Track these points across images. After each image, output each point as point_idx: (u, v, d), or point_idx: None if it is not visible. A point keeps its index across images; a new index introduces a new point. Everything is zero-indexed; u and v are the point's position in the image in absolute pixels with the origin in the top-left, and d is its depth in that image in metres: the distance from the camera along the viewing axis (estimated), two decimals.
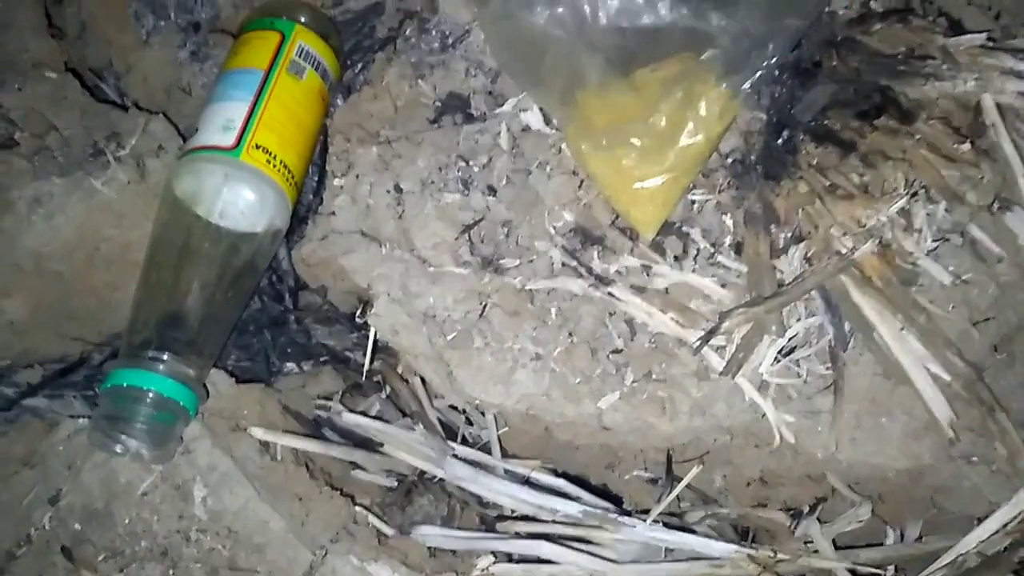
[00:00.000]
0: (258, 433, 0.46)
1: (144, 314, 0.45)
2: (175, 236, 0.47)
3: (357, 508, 0.46)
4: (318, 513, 0.44)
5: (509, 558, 0.46)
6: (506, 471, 0.49)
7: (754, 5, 0.40)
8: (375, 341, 0.46)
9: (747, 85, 0.41)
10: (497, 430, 0.49)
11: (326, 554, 0.42)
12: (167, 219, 0.47)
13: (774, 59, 0.40)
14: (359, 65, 0.57)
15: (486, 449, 0.50)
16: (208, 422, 0.45)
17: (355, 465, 0.51)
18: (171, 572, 0.42)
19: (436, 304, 0.44)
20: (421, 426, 0.49)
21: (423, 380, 0.49)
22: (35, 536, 0.44)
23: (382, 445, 0.49)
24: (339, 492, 0.45)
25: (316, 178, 0.54)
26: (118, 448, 0.42)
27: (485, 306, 0.43)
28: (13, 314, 0.50)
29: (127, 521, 0.43)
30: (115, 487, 0.43)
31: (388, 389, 0.54)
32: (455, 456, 0.47)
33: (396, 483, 0.51)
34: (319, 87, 0.52)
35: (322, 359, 0.56)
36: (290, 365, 0.55)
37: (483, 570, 0.43)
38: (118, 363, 0.42)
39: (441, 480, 0.49)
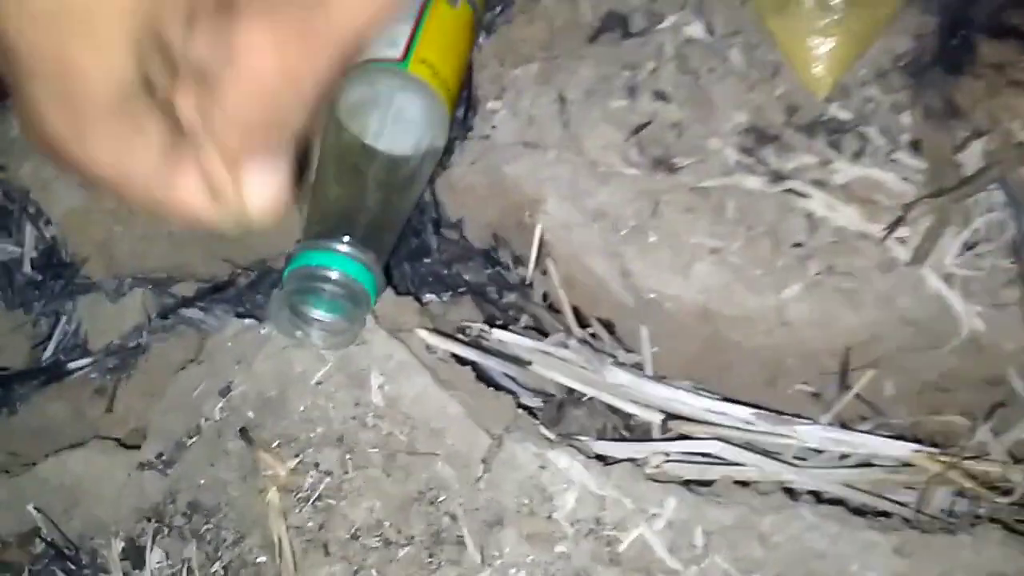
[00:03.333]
0: (423, 334, 0.46)
1: (318, 215, 0.46)
2: (344, 147, 0.48)
3: (520, 411, 0.46)
4: (487, 409, 0.44)
5: None
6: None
7: None
8: (541, 241, 0.46)
9: None
10: (650, 348, 0.49)
11: (502, 441, 0.41)
12: (335, 131, 0.48)
13: None
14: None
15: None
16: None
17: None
18: (347, 457, 0.42)
19: (607, 203, 0.44)
20: (574, 341, 0.49)
21: (574, 309, 0.50)
22: (205, 427, 0.44)
23: (530, 363, 0.49)
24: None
25: (463, 108, 0.56)
26: (299, 333, 0.43)
27: (658, 204, 0.43)
28: (172, 225, 0.52)
29: (302, 408, 0.43)
30: (289, 376, 0.43)
31: (526, 319, 0.55)
32: (615, 363, 0.47)
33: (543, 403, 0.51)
34: (469, 16, 0.53)
35: (460, 290, 0.57)
36: (430, 296, 0.56)
37: (657, 467, 0.43)
38: (303, 247, 0.43)
39: (591, 400, 0.49)
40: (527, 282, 0.49)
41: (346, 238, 0.43)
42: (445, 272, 0.58)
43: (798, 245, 0.42)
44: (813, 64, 0.44)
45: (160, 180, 0.27)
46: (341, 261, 0.42)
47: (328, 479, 0.41)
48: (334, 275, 0.42)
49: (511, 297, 0.57)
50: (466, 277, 0.58)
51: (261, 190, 0.27)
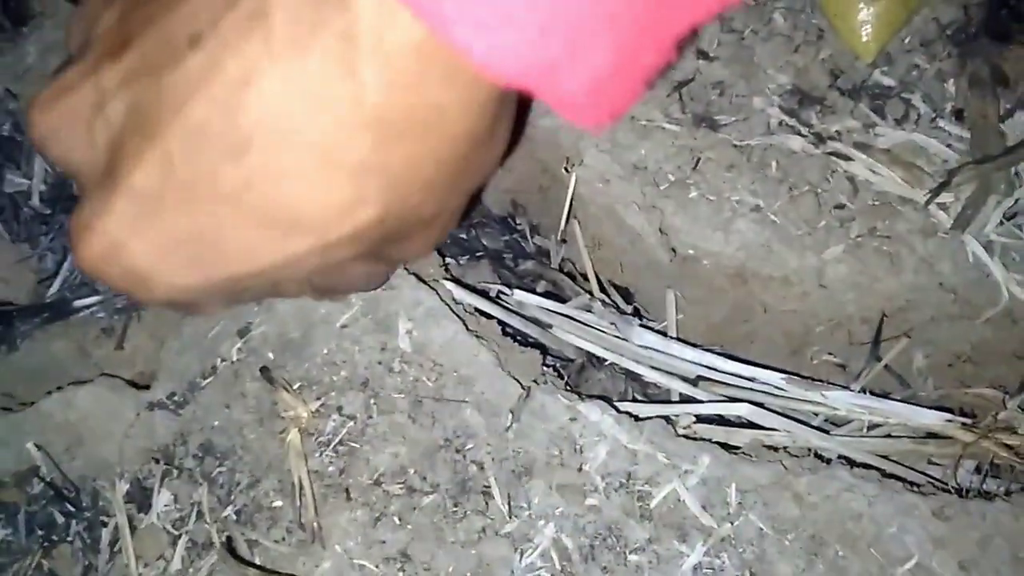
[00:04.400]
0: (450, 286, 0.45)
1: None
2: None
3: (545, 368, 0.44)
4: (514, 362, 0.42)
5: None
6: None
7: None
8: (573, 197, 0.45)
9: None
10: (676, 313, 0.48)
11: (531, 392, 0.40)
12: None
13: None
14: None
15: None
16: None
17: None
18: (372, 402, 0.40)
19: (647, 157, 0.43)
20: (598, 304, 0.48)
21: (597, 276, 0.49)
22: (221, 367, 0.42)
23: (551, 327, 0.48)
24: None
25: None
26: None
27: (699, 160, 0.43)
28: None
29: (325, 352, 0.41)
30: (312, 318, 0.42)
31: (543, 287, 0.54)
32: (643, 325, 0.46)
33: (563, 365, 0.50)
34: None
35: (478, 254, 0.56)
36: (449, 260, 0.55)
37: (686, 427, 0.42)
38: None
39: (612, 365, 0.48)
40: (560, 236, 0.48)
41: None
42: (463, 236, 0.57)
43: (840, 207, 0.41)
44: (859, 29, 0.43)
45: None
46: None
47: (351, 423, 0.40)
48: None
49: (528, 265, 0.57)
50: (484, 242, 0.57)
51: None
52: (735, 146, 0.43)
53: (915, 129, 0.43)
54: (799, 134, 0.43)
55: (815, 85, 0.44)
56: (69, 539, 0.42)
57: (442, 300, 0.42)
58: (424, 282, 0.43)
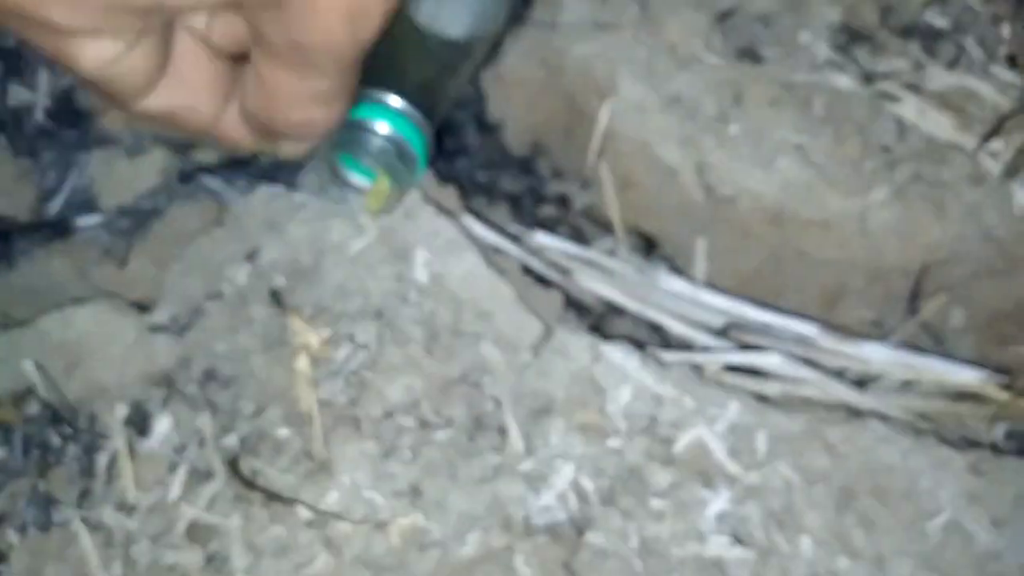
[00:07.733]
0: (468, 221, 0.43)
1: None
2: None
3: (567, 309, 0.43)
4: (535, 299, 0.41)
5: None
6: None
7: None
8: (604, 133, 0.43)
9: None
10: (705, 260, 0.46)
11: (553, 329, 0.38)
12: None
13: None
14: None
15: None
16: None
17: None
18: (387, 331, 0.38)
19: (685, 90, 0.41)
20: (623, 247, 0.47)
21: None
22: (228, 292, 0.40)
23: (570, 271, 0.46)
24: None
25: None
26: (336, 191, 0.39)
27: (741, 95, 0.41)
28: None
29: (338, 279, 0.39)
30: (324, 245, 0.40)
31: (564, 231, 0.52)
32: (670, 270, 0.45)
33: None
34: None
35: (495, 198, 0.54)
36: None
37: (715, 373, 0.40)
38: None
39: (636, 314, 0.46)
40: (588, 172, 0.46)
41: (399, 95, 0.40)
42: (480, 176, 0.55)
43: (886, 150, 0.40)
44: None
45: (208, 115, 0.32)
46: (392, 116, 0.38)
47: (364, 353, 0.38)
48: (383, 128, 0.38)
49: (548, 210, 0.55)
50: (502, 185, 0.55)
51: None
52: (779, 82, 0.41)
53: (967, 73, 0.41)
54: (847, 72, 0.41)
55: (866, 23, 0.42)
56: (66, 462, 0.40)
57: (462, 232, 0.40)
58: (445, 211, 0.41)
